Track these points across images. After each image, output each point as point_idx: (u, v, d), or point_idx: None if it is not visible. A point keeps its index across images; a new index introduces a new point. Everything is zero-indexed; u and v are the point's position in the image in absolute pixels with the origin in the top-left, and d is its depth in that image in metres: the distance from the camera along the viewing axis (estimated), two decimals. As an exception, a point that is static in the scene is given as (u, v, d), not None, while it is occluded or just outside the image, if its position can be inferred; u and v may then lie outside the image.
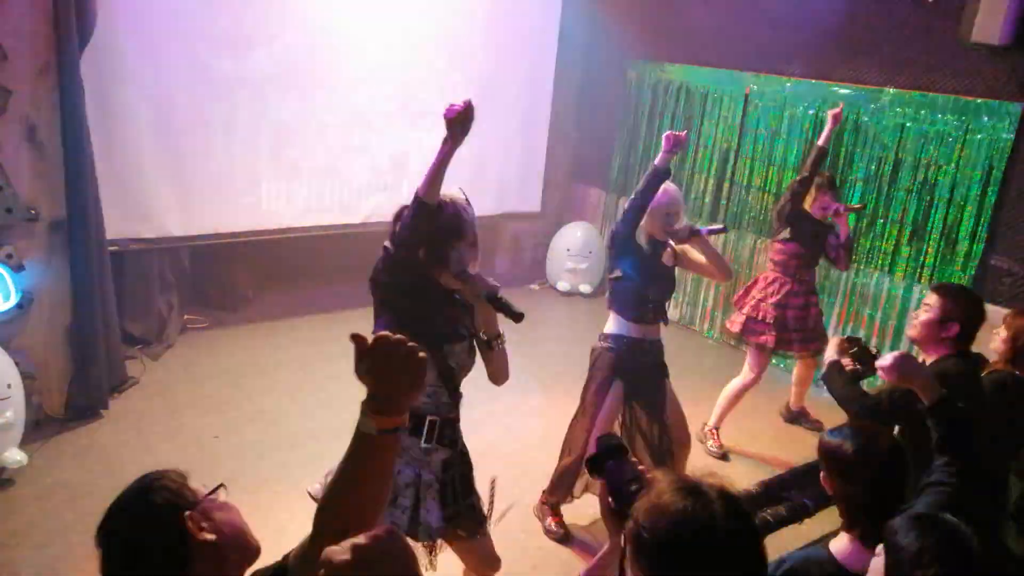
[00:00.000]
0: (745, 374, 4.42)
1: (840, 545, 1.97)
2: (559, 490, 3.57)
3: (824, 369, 2.86)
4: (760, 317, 4.34)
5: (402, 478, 2.32)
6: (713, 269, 3.44)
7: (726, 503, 1.29)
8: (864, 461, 1.95)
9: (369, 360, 1.26)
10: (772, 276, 4.42)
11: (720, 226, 3.67)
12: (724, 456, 4.41)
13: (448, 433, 2.36)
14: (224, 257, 5.75)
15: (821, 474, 2.07)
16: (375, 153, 5.86)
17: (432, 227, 2.21)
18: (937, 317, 2.71)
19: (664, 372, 3.52)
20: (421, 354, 1.28)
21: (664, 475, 1.39)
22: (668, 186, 3.30)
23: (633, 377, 3.42)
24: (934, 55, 4.79)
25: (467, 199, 2.31)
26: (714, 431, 4.48)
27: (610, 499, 1.53)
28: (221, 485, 1.46)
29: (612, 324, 3.45)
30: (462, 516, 2.45)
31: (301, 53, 5.34)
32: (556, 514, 3.62)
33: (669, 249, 3.43)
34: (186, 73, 4.90)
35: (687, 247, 3.43)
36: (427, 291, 2.28)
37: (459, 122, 2.08)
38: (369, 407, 1.28)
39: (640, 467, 1.55)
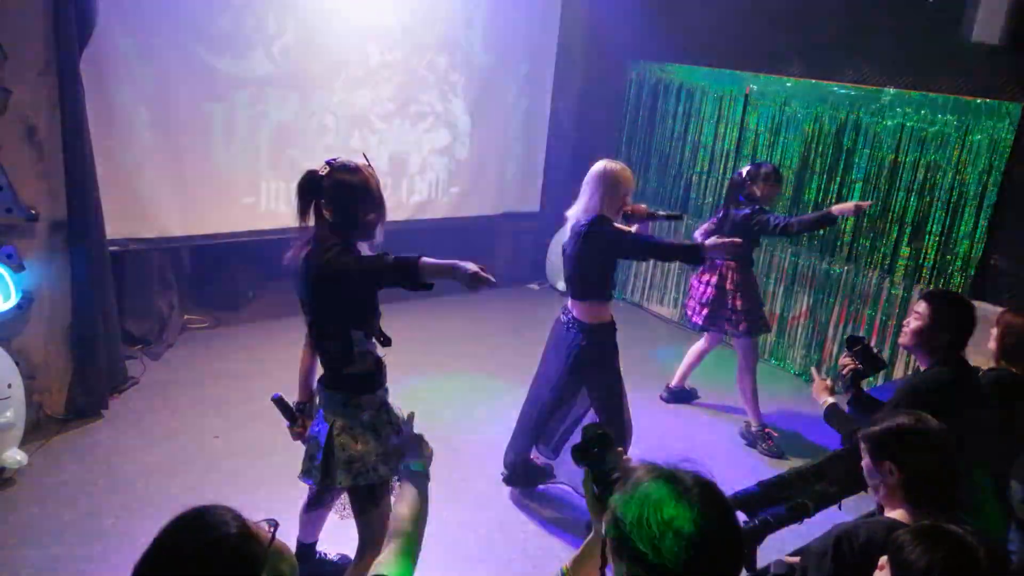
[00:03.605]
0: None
1: (897, 515, 2.01)
2: None
3: (823, 411, 2.91)
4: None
5: (392, 441, 2.47)
6: None
7: (703, 492, 1.26)
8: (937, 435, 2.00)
9: None
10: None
11: (677, 213, 3.71)
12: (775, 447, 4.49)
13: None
14: (224, 257, 5.74)
15: (868, 461, 2.08)
16: (375, 153, 5.85)
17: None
18: (927, 325, 2.71)
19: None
20: None
21: (643, 465, 1.36)
22: (624, 165, 3.36)
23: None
24: (934, 55, 4.78)
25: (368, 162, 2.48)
26: (763, 428, 4.53)
27: (594, 487, 1.54)
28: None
29: (604, 312, 3.54)
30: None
31: (301, 53, 5.34)
32: None
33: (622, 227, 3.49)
34: (186, 73, 4.90)
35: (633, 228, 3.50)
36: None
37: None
38: None
39: (625, 456, 1.56)
